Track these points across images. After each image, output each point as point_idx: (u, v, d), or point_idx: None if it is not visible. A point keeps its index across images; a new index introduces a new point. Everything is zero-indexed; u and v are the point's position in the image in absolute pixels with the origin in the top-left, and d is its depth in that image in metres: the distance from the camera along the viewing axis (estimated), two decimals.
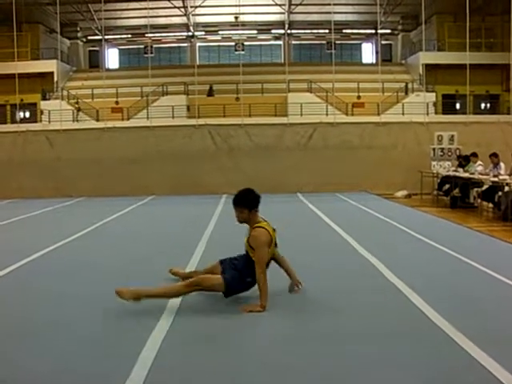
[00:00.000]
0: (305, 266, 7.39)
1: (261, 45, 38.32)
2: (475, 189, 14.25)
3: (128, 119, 25.59)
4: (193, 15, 34.36)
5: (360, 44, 38.02)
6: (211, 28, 36.32)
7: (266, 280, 5.39)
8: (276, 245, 5.77)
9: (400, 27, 34.25)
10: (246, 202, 5.58)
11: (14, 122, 24.91)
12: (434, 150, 18.41)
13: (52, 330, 4.83)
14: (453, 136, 18.46)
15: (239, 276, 5.57)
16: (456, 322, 4.79)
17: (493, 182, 12.79)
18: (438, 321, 4.88)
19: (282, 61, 34.69)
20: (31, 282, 6.83)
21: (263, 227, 5.56)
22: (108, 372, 3.90)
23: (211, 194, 18.91)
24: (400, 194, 18.44)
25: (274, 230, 5.71)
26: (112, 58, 37.44)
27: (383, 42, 34.40)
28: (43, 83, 29.18)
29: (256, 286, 5.48)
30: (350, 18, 34.27)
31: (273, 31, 36.92)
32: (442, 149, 18.35)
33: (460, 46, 25.13)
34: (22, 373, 3.92)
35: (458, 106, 28.82)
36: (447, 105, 28.25)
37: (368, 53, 37.65)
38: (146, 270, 7.25)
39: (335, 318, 5.09)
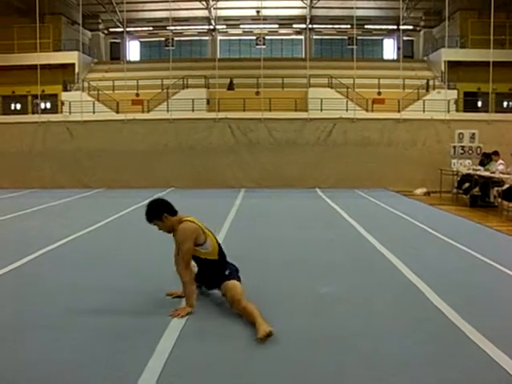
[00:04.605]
0: (321, 262, 7.39)
1: (282, 39, 38.20)
2: (496, 188, 14.09)
3: (148, 111, 25.65)
4: (214, 8, 34.32)
5: (382, 40, 37.75)
6: (233, 22, 36.28)
7: (191, 277, 5.25)
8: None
9: (422, 23, 33.95)
10: (155, 215, 5.34)
11: (35, 112, 25.07)
12: (454, 147, 18.24)
13: (69, 321, 4.87)
14: (474, 134, 18.27)
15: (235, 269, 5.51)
16: (474, 322, 4.74)
17: None
18: (456, 320, 4.84)
19: (303, 56, 34.54)
20: (48, 272, 6.87)
21: (189, 220, 5.41)
22: (125, 363, 3.92)
23: (230, 187, 18.95)
24: (419, 191, 18.33)
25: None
26: (133, 50, 37.57)
27: (405, 38, 34.12)
28: (64, 74, 29.36)
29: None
30: (371, 13, 34.06)
31: (294, 26, 36.75)
32: (463, 147, 18.17)
33: (483, 43, 24.86)
34: (39, 363, 3.95)
35: (479, 103, 28.51)
36: (469, 102, 27.93)
37: (389, 49, 37.40)
38: (162, 263, 7.26)
39: (352, 317, 5.07)
